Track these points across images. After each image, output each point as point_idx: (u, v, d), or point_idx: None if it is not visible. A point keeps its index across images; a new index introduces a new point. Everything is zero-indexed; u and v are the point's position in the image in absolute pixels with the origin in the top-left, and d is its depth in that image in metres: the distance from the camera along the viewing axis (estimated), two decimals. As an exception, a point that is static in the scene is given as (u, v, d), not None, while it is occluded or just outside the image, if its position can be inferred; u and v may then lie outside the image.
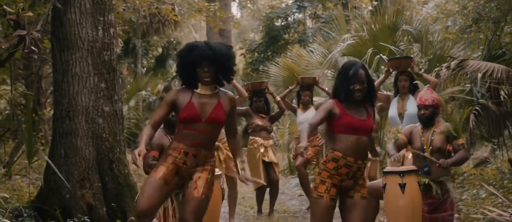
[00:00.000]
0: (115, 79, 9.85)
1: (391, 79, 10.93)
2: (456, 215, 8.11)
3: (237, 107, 10.58)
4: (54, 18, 9.77)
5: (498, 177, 10.96)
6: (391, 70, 9.93)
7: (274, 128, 11.90)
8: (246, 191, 13.01)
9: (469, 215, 8.65)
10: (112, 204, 9.41)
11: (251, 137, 10.97)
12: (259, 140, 10.85)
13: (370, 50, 13.08)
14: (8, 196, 8.68)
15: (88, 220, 8.88)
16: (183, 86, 6.09)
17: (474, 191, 10.25)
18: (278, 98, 11.23)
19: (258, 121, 10.90)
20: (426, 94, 7.97)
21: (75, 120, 9.47)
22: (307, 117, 11.32)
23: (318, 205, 6.00)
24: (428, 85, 9.59)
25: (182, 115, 5.97)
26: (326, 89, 11.98)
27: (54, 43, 9.69)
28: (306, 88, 11.57)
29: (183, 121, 5.98)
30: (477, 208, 8.58)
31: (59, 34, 9.63)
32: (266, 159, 10.84)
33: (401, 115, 9.54)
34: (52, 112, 16.62)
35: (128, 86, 24.15)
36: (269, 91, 11.15)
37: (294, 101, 13.56)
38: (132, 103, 22.70)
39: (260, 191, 11.16)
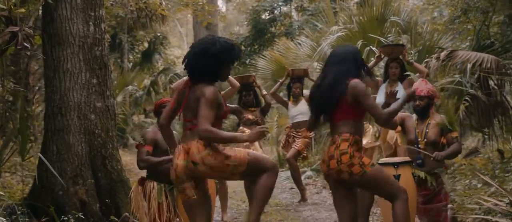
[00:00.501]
0: (106, 75, 9.83)
1: (381, 70, 10.97)
2: (449, 206, 8.16)
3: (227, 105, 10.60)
4: (44, 14, 9.74)
5: (490, 167, 11.01)
6: (382, 56, 9.97)
7: (262, 121, 11.87)
8: (236, 185, 13.01)
9: (463, 205, 8.69)
10: (106, 200, 9.39)
11: (240, 127, 10.95)
12: (248, 131, 10.83)
13: (360, 42, 13.09)
14: (2, 194, 8.64)
15: (82, 216, 8.86)
16: (206, 82, 5.93)
17: (466, 181, 10.29)
18: (264, 92, 11.21)
19: (249, 115, 10.87)
20: (421, 85, 7.99)
21: (67, 116, 9.44)
22: (299, 109, 11.32)
23: (380, 170, 6.02)
24: (417, 74, 9.64)
25: (226, 110, 6.09)
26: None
27: (45, 39, 9.65)
28: (296, 80, 11.56)
29: (225, 116, 6.14)
30: (472, 198, 8.61)
31: (50, 30, 9.60)
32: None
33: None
34: (39, 108, 16.60)
35: (115, 81, 24.11)
36: (257, 85, 11.12)
37: (282, 94, 13.56)
38: (119, 98, 22.65)
39: None
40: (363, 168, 5.84)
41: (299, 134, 11.42)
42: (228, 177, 5.99)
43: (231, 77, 9.82)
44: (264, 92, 11.19)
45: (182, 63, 6.09)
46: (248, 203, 5.97)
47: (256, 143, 10.88)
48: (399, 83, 9.73)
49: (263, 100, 11.27)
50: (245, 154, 5.84)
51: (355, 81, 5.90)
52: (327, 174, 6.04)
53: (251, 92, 10.94)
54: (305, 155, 11.66)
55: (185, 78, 6.21)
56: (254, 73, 12.62)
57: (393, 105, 6.11)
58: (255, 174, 5.93)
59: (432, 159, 7.60)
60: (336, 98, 5.92)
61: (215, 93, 5.80)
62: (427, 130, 7.68)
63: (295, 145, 11.33)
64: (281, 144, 12.35)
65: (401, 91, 9.52)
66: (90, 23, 9.71)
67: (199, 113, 5.69)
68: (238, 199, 12.42)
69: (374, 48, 12.38)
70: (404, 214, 5.98)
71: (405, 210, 6.00)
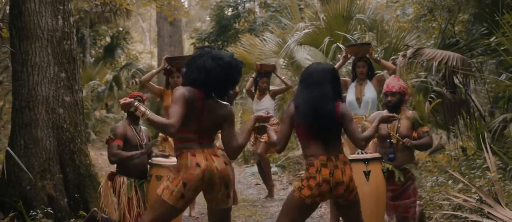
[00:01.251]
0: (75, 69, 9.75)
1: (348, 66, 11.03)
2: (418, 202, 8.26)
3: None
4: (12, 7, 9.64)
5: (453, 164, 11.15)
6: (349, 56, 10.01)
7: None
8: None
9: (431, 201, 8.79)
10: (75, 195, 9.34)
11: None
12: None
13: (326, 39, 13.14)
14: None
15: (51, 211, 8.80)
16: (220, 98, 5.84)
17: (433, 177, 10.41)
18: None
19: None
20: (392, 81, 8.07)
21: (35, 110, 9.35)
22: (264, 104, 11.35)
23: None
24: (385, 71, 9.73)
25: None
26: (283, 77, 12.03)
27: (13, 33, 9.54)
28: (264, 75, 11.59)
29: None
30: (441, 194, 8.71)
31: (18, 23, 9.49)
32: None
33: (359, 100, 9.63)
34: (1, 102, 16.44)
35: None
36: None
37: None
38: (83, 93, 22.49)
39: None
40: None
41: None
42: (229, 195, 5.76)
43: None
44: None
45: (198, 76, 5.67)
46: None
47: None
48: (367, 81, 9.79)
49: None
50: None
51: (344, 106, 5.92)
52: (336, 195, 5.83)
53: None
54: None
55: (189, 88, 5.75)
56: None
57: (369, 131, 6.10)
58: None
59: (401, 143, 7.69)
60: (335, 120, 5.81)
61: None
62: (398, 125, 7.76)
63: (262, 138, 11.34)
64: (251, 141, 12.36)
65: (370, 89, 9.61)
66: (59, 17, 9.63)
67: (231, 133, 5.73)
68: (205, 194, 12.39)
69: (341, 45, 12.46)
70: None
71: None
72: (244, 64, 5.89)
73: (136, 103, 5.53)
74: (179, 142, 5.74)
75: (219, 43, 25.20)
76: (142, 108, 5.47)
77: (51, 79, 9.45)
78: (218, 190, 5.71)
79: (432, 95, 10.68)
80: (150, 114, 5.48)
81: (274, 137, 6.11)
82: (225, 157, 5.80)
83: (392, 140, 7.79)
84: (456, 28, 12.69)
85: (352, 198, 5.84)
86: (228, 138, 5.72)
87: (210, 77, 5.61)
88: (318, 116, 5.73)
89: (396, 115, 6.47)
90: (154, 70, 10.34)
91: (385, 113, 8.06)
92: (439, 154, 12.60)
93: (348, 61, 10.36)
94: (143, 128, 8.11)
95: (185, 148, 5.66)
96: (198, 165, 5.55)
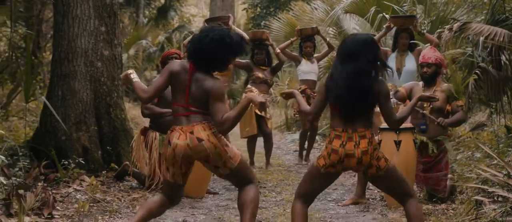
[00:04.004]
0: (115, 24, 9.79)
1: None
2: (449, 176, 8.16)
3: (238, 59, 10.52)
4: (56, -41, 9.70)
5: (495, 141, 10.98)
6: (392, 26, 9.92)
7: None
8: (238, 145, 13.02)
9: (463, 175, 8.68)
10: (108, 147, 9.42)
11: (248, 86, 10.93)
12: (255, 90, 10.79)
13: (373, 9, 13.02)
14: (4, 134, 8.66)
15: (83, 162, 8.89)
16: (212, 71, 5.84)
17: (469, 153, 10.28)
18: (278, 50, 11.16)
19: (259, 73, 10.87)
20: (429, 52, 8.00)
21: (74, 62, 9.42)
22: (314, 68, 11.35)
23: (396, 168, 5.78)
24: (428, 45, 9.59)
25: None
26: (328, 39, 11.98)
27: (55, -16, 9.62)
28: (306, 40, 11.52)
29: None
30: (471, 168, 8.60)
31: (60, -25, 9.56)
32: (258, 112, 10.81)
33: (399, 71, 9.59)
34: (51, 56, 16.68)
35: (129, 36, 24.08)
36: (269, 43, 11.10)
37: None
38: (131, 52, 22.70)
39: (251, 142, 11.14)
40: (388, 162, 5.57)
41: (314, 93, 11.31)
42: (220, 166, 5.67)
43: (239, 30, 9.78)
44: (278, 50, 11.14)
45: (190, 47, 5.79)
46: (240, 217, 5.80)
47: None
48: (409, 52, 9.73)
49: (275, 59, 11.28)
50: (239, 153, 5.74)
51: (382, 82, 5.58)
52: (350, 167, 5.56)
53: (263, 51, 10.96)
54: None
55: (183, 61, 5.93)
56: (267, 31, 12.56)
57: (405, 110, 5.88)
58: (240, 180, 5.80)
59: (436, 123, 7.61)
60: (367, 98, 5.50)
61: (223, 87, 5.80)
62: (433, 97, 7.66)
63: None
64: (295, 109, 12.36)
65: (411, 61, 9.53)
66: (102, -31, 9.66)
67: (216, 108, 5.58)
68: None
69: (387, 16, 12.32)
70: (421, 213, 5.69)
71: (421, 210, 5.74)
72: (245, 39, 5.84)
73: (132, 75, 5.93)
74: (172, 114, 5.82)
75: (271, 9, 25.06)
76: (135, 77, 5.96)
77: (91, 32, 9.50)
78: (201, 163, 5.82)
79: (476, 71, 10.49)
80: (136, 80, 5.90)
81: (305, 105, 5.98)
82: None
83: (424, 111, 7.70)
84: (507, 5, 12.41)
85: (373, 172, 5.61)
86: (212, 112, 5.62)
87: (202, 54, 5.66)
88: (349, 92, 5.45)
89: (437, 97, 6.23)
90: (182, 61, 10.36)
91: (421, 84, 7.97)
92: (482, 131, 12.41)
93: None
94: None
95: (174, 123, 5.74)
96: (169, 142, 5.65)
